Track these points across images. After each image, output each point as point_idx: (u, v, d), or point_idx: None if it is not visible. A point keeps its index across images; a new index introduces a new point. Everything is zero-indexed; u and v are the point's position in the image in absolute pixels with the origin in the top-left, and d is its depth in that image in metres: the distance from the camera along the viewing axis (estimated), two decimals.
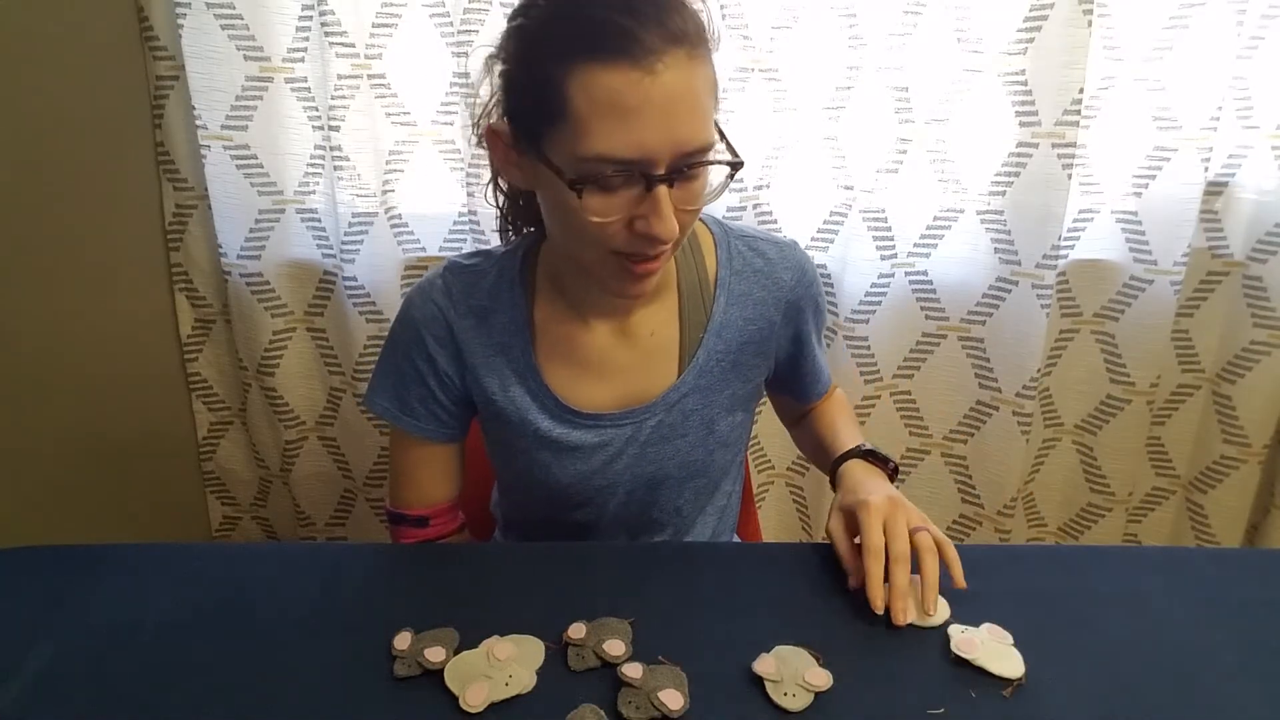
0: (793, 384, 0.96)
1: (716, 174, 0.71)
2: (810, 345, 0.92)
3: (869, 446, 0.88)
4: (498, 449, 0.91)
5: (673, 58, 0.63)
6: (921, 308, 1.46)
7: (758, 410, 1.52)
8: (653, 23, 0.62)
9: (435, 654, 0.65)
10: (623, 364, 0.84)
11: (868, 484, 0.80)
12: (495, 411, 0.85)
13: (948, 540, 0.74)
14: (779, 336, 0.88)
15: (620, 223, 0.68)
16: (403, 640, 0.66)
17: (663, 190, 0.65)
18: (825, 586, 0.75)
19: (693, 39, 0.64)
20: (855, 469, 0.85)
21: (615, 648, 0.66)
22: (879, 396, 1.51)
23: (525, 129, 0.69)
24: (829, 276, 1.44)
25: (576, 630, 0.67)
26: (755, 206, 1.40)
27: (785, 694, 0.62)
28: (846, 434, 0.94)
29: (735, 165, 0.69)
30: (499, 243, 0.90)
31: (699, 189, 0.69)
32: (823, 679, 0.63)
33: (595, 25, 0.63)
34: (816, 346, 0.94)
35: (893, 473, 0.86)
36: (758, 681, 0.63)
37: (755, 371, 0.89)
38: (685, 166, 0.66)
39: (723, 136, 0.71)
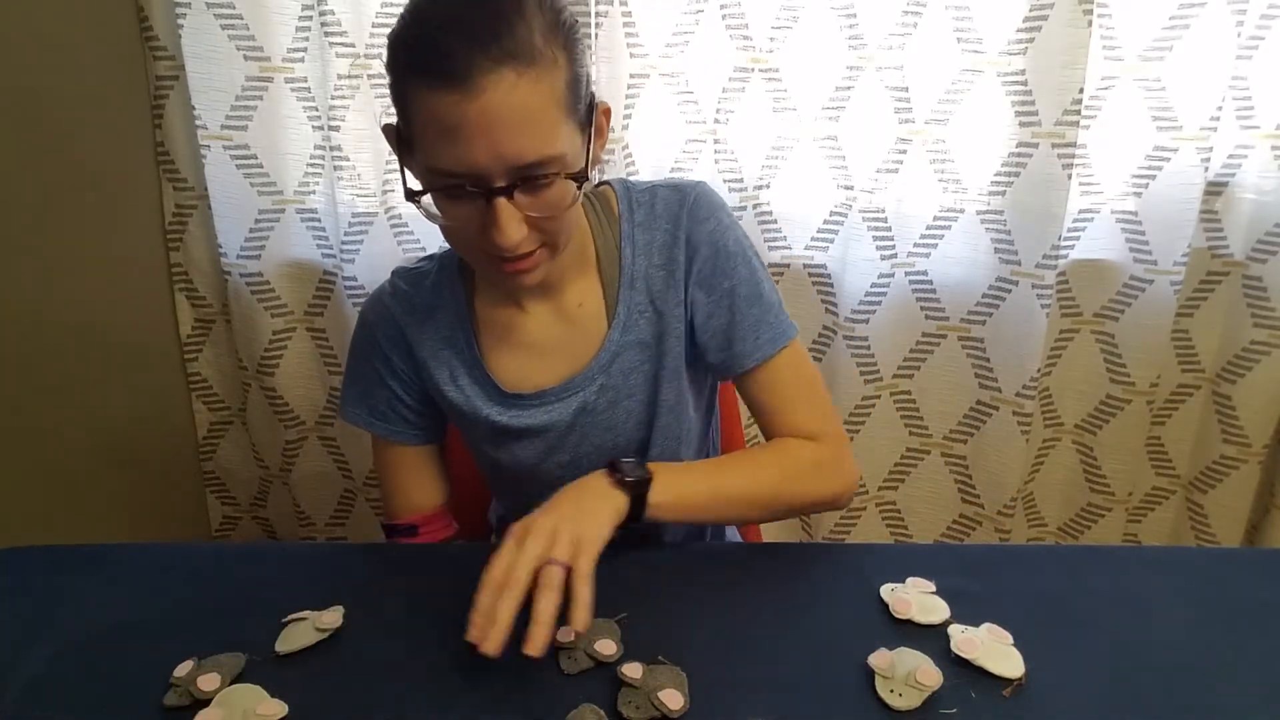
0: (719, 341, 0.85)
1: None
2: (724, 292, 0.83)
3: (631, 461, 0.77)
4: (468, 444, 0.93)
5: (497, 77, 0.63)
6: (921, 308, 1.46)
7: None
8: (477, 43, 0.63)
9: (209, 682, 0.62)
10: (560, 340, 0.86)
11: (552, 502, 0.73)
12: (450, 405, 0.88)
13: (586, 577, 0.65)
14: (687, 278, 0.83)
15: (474, 229, 0.70)
16: (182, 668, 0.64)
17: (500, 203, 0.67)
18: (825, 586, 0.75)
19: (526, 56, 0.64)
20: (579, 480, 0.76)
21: (606, 647, 0.65)
22: (879, 396, 1.51)
23: (400, 133, 0.72)
24: (829, 277, 1.44)
25: (565, 634, 0.66)
26: (755, 206, 1.40)
27: (892, 691, 0.61)
28: (711, 459, 0.87)
29: (577, 179, 0.70)
30: None
31: (553, 198, 0.70)
32: (934, 678, 0.62)
33: (422, 45, 0.65)
34: (737, 296, 0.83)
35: (629, 484, 0.74)
36: (757, 682, 0.63)
37: (683, 322, 0.85)
38: (522, 180, 0.67)
39: (587, 142, 0.72)
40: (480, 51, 0.63)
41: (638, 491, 0.75)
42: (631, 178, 0.88)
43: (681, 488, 0.78)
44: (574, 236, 0.82)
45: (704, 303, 0.84)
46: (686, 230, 0.83)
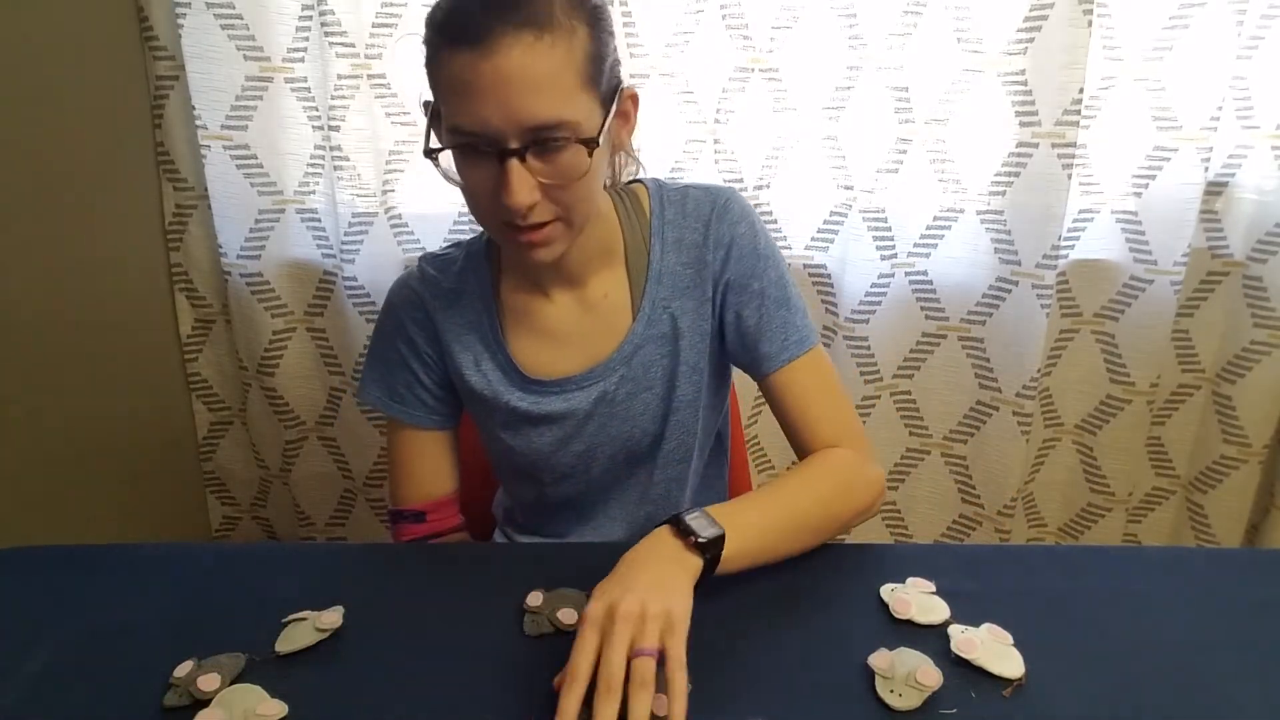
0: (748, 340, 0.86)
1: (603, 150, 0.74)
2: (754, 294, 0.85)
3: (695, 516, 0.70)
4: (482, 431, 0.94)
5: (513, 39, 0.66)
6: (921, 308, 1.46)
7: (755, 409, 1.53)
8: (495, 10, 0.67)
9: (209, 682, 0.62)
10: (583, 329, 0.87)
11: (624, 575, 0.65)
12: (469, 389, 0.89)
13: (683, 663, 0.58)
14: (718, 279, 0.85)
15: (488, 192, 0.72)
16: (182, 668, 0.64)
17: (512, 164, 0.69)
18: (825, 586, 0.75)
19: (544, 22, 0.67)
20: (645, 543, 0.69)
21: (569, 616, 0.69)
22: (879, 396, 1.51)
23: (432, 103, 0.76)
24: (829, 277, 1.44)
25: (534, 598, 0.71)
26: (755, 206, 1.40)
27: (892, 691, 0.61)
28: (757, 492, 0.80)
29: (587, 143, 0.71)
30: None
31: (566, 164, 0.71)
32: (934, 678, 0.62)
33: (449, 12, 0.70)
34: (767, 299, 0.85)
35: (700, 546, 0.67)
36: (757, 682, 0.63)
37: (708, 320, 0.87)
38: (535, 142, 0.69)
39: (607, 113, 0.73)
40: (497, 16, 0.66)
41: (712, 552, 0.68)
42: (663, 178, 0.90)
43: (747, 536, 0.72)
44: (601, 229, 0.84)
45: (733, 303, 0.86)
46: (718, 231, 0.85)
